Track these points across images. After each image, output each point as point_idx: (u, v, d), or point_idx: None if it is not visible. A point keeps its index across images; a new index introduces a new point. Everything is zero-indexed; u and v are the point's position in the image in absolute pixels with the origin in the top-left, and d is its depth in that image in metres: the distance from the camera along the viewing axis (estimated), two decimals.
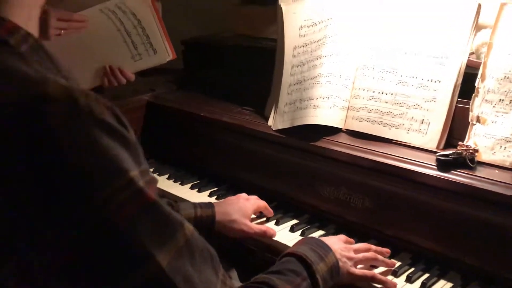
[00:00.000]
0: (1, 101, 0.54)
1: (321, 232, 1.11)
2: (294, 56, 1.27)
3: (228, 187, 1.30)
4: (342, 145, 1.12)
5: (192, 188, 1.32)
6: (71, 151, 0.53)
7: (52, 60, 0.63)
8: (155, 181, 0.60)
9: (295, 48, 1.27)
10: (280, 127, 1.22)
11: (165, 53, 1.39)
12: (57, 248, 0.53)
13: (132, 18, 1.35)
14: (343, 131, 1.17)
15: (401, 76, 1.11)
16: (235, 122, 1.33)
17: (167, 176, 1.40)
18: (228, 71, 1.55)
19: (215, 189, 1.31)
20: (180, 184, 1.35)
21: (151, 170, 1.43)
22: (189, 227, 0.61)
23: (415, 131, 1.08)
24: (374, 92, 1.14)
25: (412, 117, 1.08)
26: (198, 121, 1.42)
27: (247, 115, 1.36)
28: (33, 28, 0.64)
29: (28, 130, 0.52)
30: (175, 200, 1.13)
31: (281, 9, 1.28)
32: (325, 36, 1.22)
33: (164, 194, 1.29)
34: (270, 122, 1.27)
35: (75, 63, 1.32)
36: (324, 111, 1.16)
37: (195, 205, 1.07)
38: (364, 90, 1.16)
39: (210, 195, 1.28)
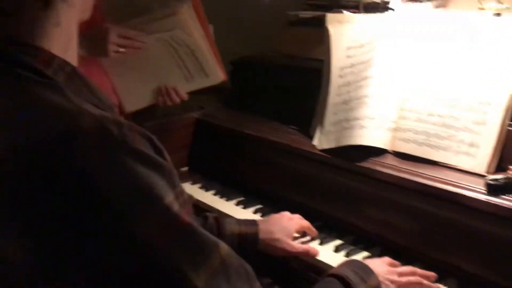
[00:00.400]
0: (37, 135, 0.55)
1: (366, 253, 1.10)
2: (340, 76, 1.28)
3: (273, 205, 1.32)
4: (388, 167, 1.11)
5: (237, 204, 1.35)
6: (107, 182, 0.54)
7: (90, 87, 0.65)
8: (190, 200, 0.62)
9: (342, 68, 1.28)
10: (325, 146, 1.23)
11: (216, 76, 1.48)
12: (95, 276, 0.55)
13: (185, 45, 1.45)
14: (390, 152, 1.16)
15: (450, 97, 1.10)
16: (281, 140, 1.35)
17: (213, 192, 1.43)
18: (275, 90, 1.57)
19: (260, 206, 1.32)
20: (226, 200, 1.38)
21: (199, 185, 1.47)
22: (224, 247, 0.63)
23: (463, 154, 1.06)
24: (421, 113, 1.13)
25: (461, 140, 1.07)
26: (244, 139, 1.45)
27: (293, 134, 1.38)
28: (71, 56, 0.66)
29: (64, 164, 0.54)
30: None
31: (329, 31, 1.30)
32: (372, 57, 1.22)
33: (209, 209, 1.33)
34: (315, 142, 1.28)
35: (132, 82, 1.43)
36: (370, 132, 1.16)
37: (240, 221, 1.09)
38: (411, 111, 1.15)
39: (255, 212, 1.30)
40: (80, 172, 0.54)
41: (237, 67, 1.72)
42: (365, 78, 1.21)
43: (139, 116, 1.54)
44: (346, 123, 1.21)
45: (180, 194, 0.60)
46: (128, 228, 0.55)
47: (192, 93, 1.53)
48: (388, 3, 1.27)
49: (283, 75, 1.54)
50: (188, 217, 0.59)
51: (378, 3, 1.28)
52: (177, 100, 1.46)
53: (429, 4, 1.32)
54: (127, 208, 0.55)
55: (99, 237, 0.55)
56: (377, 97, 1.18)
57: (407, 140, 1.14)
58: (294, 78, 1.49)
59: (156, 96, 1.46)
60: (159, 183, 0.57)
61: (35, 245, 0.55)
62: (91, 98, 0.63)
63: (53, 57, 0.62)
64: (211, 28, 1.58)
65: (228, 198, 1.38)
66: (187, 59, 1.47)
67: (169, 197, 0.57)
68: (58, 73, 0.61)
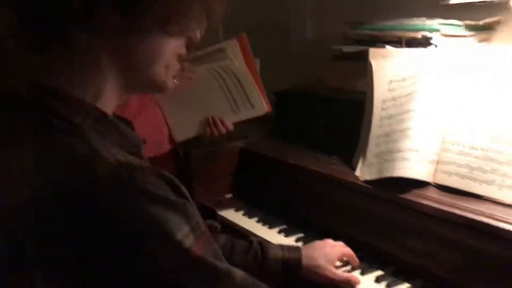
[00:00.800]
0: (59, 181, 0.60)
1: (407, 285, 1.10)
2: (383, 109, 1.31)
3: (314, 233, 1.34)
4: (431, 199, 1.12)
5: (279, 232, 1.38)
6: (122, 223, 0.59)
7: (118, 129, 0.69)
8: (207, 232, 0.67)
9: (384, 101, 1.31)
10: (367, 177, 1.25)
11: (261, 107, 1.58)
12: None
13: (233, 77, 1.54)
14: (432, 185, 1.17)
15: (493, 131, 1.11)
16: (323, 171, 1.38)
17: (256, 219, 1.47)
18: (318, 121, 1.61)
19: (302, 235, 1.35)
20: (268, 227, 1.41)
21: (242, 212, 1.52)
22: (238, 273, 0.67)
23: (507, 188, 1.06)
24: (464, 146, 1.14)
25: (505, 173, 1.07)
26: (287, 168, 1.49)
27: (335, 164, 1.41)
28: (104, 100, 0.69)
29: (85, 208, 0.59)
30: None
31: (371, 65, 1.34)
32: (414, 90, 1.25)
33: (252, 236, 1.36)
34: (357, 172, 1.30)
35: (182, 113, 1.53)
36: (412, 164, 1.18)
37: (283, 247, 1.12)
38: (453, 144, 1.16)
39: (297, 241, 1.33)
40: (99, 215, 0.59)
41: (280, 98, 1.77)
42: (408, 111, 1.24)
43: (187, 144, 1.62)
44: (388, 155, 1.23)
45: (197, 226, 0.65)
46: (143, 262, 0.60)
47: (237, 123, 1.60)
48: (430, 38, 1.30)
49: (326, 106, 1.58)
50: (201, 249, 0.63)
51: (420, 39, 1.31)
52: (224, 130, 1.53)
53: (472, 38, 1.34)
54: (141, 245, 0.60)
55: (117, 269, 0.60)
56: (419, 130, 1.20)
57: (449, 173, 1.15)
58: (336, 109, 1.53)
59: (204, 127, 1.54)
60: (171, 220, 0.61)
61: (60, 276, 0.60)
62: (119, 139, 0.68)
63: (80, 102, 0.66)
64: (256, 61, 1.66)
65: (271, 226, 1.42)
66: (234, 91, 1.55)
67: (182, 232, 0.62)
68: (86, 119, 0.65)
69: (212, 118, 1.53)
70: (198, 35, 0.74)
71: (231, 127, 1.56)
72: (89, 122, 0.65)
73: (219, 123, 1.53)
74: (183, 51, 0.75)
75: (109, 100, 0.70)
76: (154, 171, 0.63)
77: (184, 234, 0.62)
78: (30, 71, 0.66)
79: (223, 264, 0.66)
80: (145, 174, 0.62)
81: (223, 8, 0.74)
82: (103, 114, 0.68)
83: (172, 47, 0.72)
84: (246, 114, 1.57)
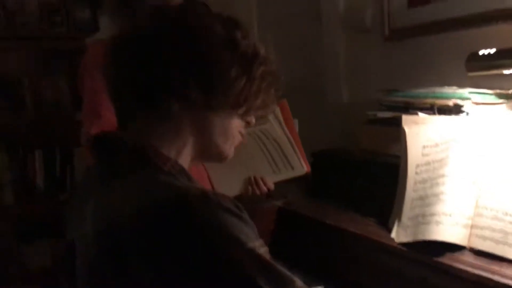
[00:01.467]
0: (159, 202, 0.76)
1: None
2: (417, 173, 1.36)
3: None
4: (466, 263, 1.14)
5: None
6: (208, 231, 0.74)
7: (191, 180, 0.88)
8: (268, 252, 0.80)
9: (418, 166, 1.37)
10: (403, 240, 1.29)
11: (301, 168, 1.66)
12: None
13: (273, 141, 1.63)
14: (467, 249, 1.19)
15: None
16: (360, 232, 1.42)
17: None
18: (354, 183, 1.67)
19: None
20: None
21: None
22: (298, 281, 0.81)
23: None
24: (497, 212, 1.17)
25: None
26: (325, 229, 1.53)
27: (372, 226, 1.44)
28: (183, 159, 0.89)
29: (181, 217, 0.74)
30: None
31: (405, 131, 1.41)
32: (447, 156, 1.30)
33: None
34: (393, 235, 1.34)
35: (226, 172, 1.62)
36: (446, 228, 1.21)
37: None
38: (487, 209, 1.19)
39: None
40: (192, 222, 0.75)
41: (318, 159, 1.85)
42: (441, 175, 1.28)
43: None
44: (423, 218, 1.27)
45: (262, 245, 0.79)
46: (226, 261, 0.75)
47: (276, 182, 1.67)
48: (462, 106, 1.36)
49: (363, 168, 1.64)
50: (268, 258, 0.77)
51: (451, 106, 1.37)
52: (265, 189, 1.61)
53: (503, 106, 1.39)
54: (225, 246, 0.75)
55: (204, 267, 0.74)
56: (453, 195, 1.24)
57: (484, 238, 1.17)
58: (372, 172, 1.58)
59: (246, 185, 1.62)
60: (245, 230, 0.78)
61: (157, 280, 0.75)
62: (188, 183, 0.86)
63: (169, 158, 0.86)
64: (295, 122, 1.76)
65: (309, 286, 1.45)
66: (274, 152, 1.64)
67: (254, 241, 0.77)
68: (171, 169, 0.85)
69: (254, 177, 1.61)
70: (253, 120, 0.94)
71: (272, 186, 1.63)
72: (173, 172, 0.84)
73: (260, 182, 1.61)
74: (243, 127, 0.94)
75: (185, 160, 0.89)
76: (229, 197, 0.81)
77: (256, 243, 0.78)
78: (135, 129, 0.88)
79: (287, 272, 0.80)
80: (224, 197, 0.80)
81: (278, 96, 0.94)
82: (183, 169, 0.87)
83: (237, 124, 0.91)
84: (286, 174, 1.65)
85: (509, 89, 1.39)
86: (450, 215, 1.22)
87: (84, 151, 1.65)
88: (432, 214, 1.25)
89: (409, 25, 1.81)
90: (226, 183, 1.64)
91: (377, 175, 1.55)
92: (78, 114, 2.56)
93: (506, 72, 1.36)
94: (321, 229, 1.55)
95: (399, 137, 1.45)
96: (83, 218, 0.85)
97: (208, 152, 0.92)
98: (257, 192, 1.61)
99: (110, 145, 0.88)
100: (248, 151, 1.64)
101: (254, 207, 1.72)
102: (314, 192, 1.81)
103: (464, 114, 1.36)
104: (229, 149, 0.94)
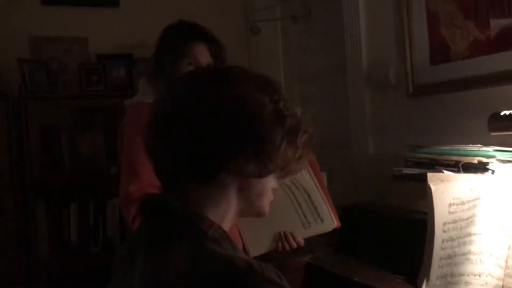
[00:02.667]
0: (208, 270, 0.79)
1: None
2: (444, 231, 1.36)
3: None
4: None
5: None
6: None
7: (232, 244, 0.89)
8: None
9: (444, 224, 1.36)
10: None
11: (331, 222, 1.61)
12: None
13: (303, 191, 1.62)
14: None
15: None
16: None
17: None
18: (382, 239, 1.66)
19: None
20: None
21: None
22: None
23: None
24: None
25: None
26: (352, 286, 1.52)
27: (400, 284, 1.43)
28: (225, 223, 0.91)
29: (226, 285, 0.77)
30: None
31: (430, 188, 1.42)
32: (474, 214, 1.30)
33: None
34: None
35: (256, 228, 1.60)
36: None
37: None
38: None
39: None
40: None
41: (346, 213, 1.85)
42: (468, 234, 1.28)
43: (256, 258, 1.70)
44: (451, 277, 1.26)
45: None
46: None
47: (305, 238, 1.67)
48: (487, 164, 1.37)
49: (390, 224, 1.64)
50: None
51: (476, 164, 1.39)
52: (295, 245, 1.59)
53: None
54: None
55: None
56: (481, 254, 1.24)
57: None
58: (400, 228, 1.58)
59: (276, 242, 1.60)
60: None
61: None
62: (234, 250, 0.88)
63: (213, 223, 0.88)
64: (324, 176, 1.76)
65: None
66: (304, 204, 1.61)
67: None
68: (215, 234, 0.87)
69: (284, 233, 1.59)
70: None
71: (302, 242, 1.60)
72: (217, 236, 0.87)
73: (290, 238, 1.58)
74: (276, 184, 0.98)
75: (227, 222, 0.92)
76: (272, 267, 0.81)
77: None
78: (180, 192, 0.90)
79: None
80: (268, 269, 0.80)
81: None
82: (226, 232, 0.89)
83: (273, 184, 0.95)
84: (316, 229, 1.61)
85: None
86: (479, 276, 1.21)
87: (122, 209, 1.67)
88: (461, 274, 1.24)
89: (431, 82, 1.85)
90: (257, 240, 1.62)
91: (405, 232, 1.55)
92: (113, 169, 2.66)
93: None
94: (349, 287, 1.54)
95: (425, 194, 1.46)
96: (128, 283, 0.88)
97: (249, 211, 0.95)
98: (287, 247, 1.59)
99: (157, 210, 0.90)
100: (279, 203, 1.59)
101: (281, 263, 1.72)
102: (342, 247, 1.80)
103: (489, 172, 1.37)
104: (267, 206, 0.97)
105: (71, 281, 2.56)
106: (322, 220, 1.61)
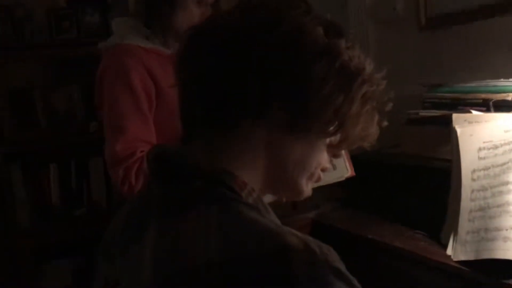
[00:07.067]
0: (248, 247, 0.62)
1: None
2: (473, 180, 1.18)
3: None
4: None
5: None
6: None
7: (268, 210, 0.72)
8: None
9: (474, 171, 1.19)
10: (462, 258, 1.12)
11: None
12: None
13: None
14: None
15: None
16: (408, 248, 1.25)
17: None
18: (395, 190, 1.50)
19: None
20: None
21: None
22: None
23: None
24: None
25: None
26: (366, 245, 1.37)
27: (421, 241, 1.28)
28: (256, 185, 0.74)
29: (274, 276, 0.60)
30: None
31: (456, 131, 1.23)
32: (510, 160, 1.13)
33: None
34: (449, 251, 1.17)
35: None
36: None
37: None
38: None
39: None
40: (293, 280, 0.59)
41: (355, 163, 1.66)
42: (505, 183, 1.11)
43: None
44: (486, 233, 1.10)
45: None
46: None
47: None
48: None
49: (406, 174, 1.47)
50: None
51: (510, 101, 1.20)
52: None
53: None
54: None
55: None
56: None
57: None
58: (418, 178, 1.42)
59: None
60: None
61: None
62: (273, 219, 0.71)
63: (245, 183, 0.71)
64: None
65: None
66: None
67: None
68: (248, 198, 0.70)
69: None
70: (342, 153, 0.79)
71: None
72: (251, 200, 0.70)
73: None
74: (327, 162, 0.78)
75: (258, 185, 0.74)
76: (333, 250, 0.66)
77: None
78: (200, 146, 0.73)
79: None
80: (330, 251, 0.65)
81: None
82: (259, 196, 0.72)
83: (322, 157, 0.75)
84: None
85: None
86: None
87: (109, 171, 1.49)
88: (498, 229, 1.07)
89: (447, 11, 1.64)
90: None
91: (423, 182, 1.39)
92: (93, 125, 2.47)
93: None
94: (362, 245, 1.38)
95: (447, 139, 1.28)
96: (137, 258, 0.70)
97: (280, 183, 0.76)
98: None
99: (175, 167, 0.72)
100: None
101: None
102: (351, 201, 1.64)
103: None
104: (306, 184, 0.77)
105: (56, 251, 2.42)
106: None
